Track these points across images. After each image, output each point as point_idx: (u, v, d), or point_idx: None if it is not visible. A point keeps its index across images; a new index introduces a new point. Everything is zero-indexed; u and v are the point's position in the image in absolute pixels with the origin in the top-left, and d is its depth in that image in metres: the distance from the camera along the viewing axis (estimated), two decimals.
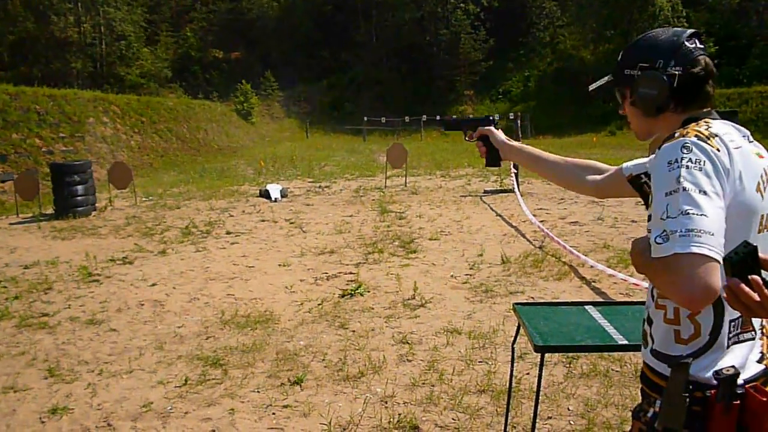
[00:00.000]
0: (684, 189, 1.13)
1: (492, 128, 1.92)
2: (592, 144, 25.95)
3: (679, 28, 1.40)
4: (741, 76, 29.72)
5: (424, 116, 35.04)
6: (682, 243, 1.07)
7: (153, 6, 49.02)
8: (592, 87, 1.59)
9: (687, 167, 1.15)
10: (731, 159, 1.19)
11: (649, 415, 1.32)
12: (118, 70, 40.77)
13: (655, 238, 1.13)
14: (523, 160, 1.87)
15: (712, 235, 1.08)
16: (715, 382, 1.21)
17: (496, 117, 2.11)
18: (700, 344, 1.26)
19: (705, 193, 1.12)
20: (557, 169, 1.79)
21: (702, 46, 1.36)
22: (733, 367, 1.20)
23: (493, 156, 1.92)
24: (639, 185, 1.60)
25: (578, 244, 7.07)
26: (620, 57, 1.45)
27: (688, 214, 1.10)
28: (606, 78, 1.52)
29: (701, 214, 1.09)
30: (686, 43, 1.33)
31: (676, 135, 1.24)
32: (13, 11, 38.45)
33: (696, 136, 1.21)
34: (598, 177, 1.73)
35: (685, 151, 1.18)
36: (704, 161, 1.16)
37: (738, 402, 1.18)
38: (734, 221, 1.16)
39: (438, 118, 34.49)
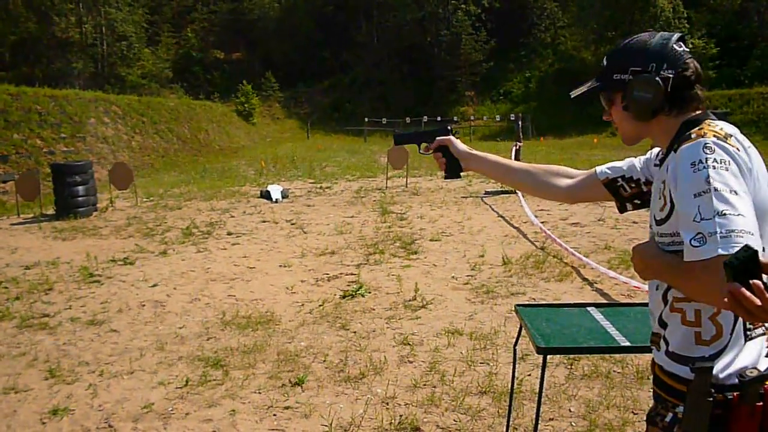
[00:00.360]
0: (715, 189, 1.11)
1: (451, 137, 1.83)
2: (593, 145, 25.92)
3: (665, 33, 1.39)
4: (742, 77, 29.68)
5: (425, 117, 35.09)
6: (725, 244, 1.05)
7: (154, 6, 49.14)
8: (574, 93, 1.53)
9: (714, 167, 1.14)
10: (750, 158, 1.19)
11: (668, 420, 1.31)
12: (119, 70, 40.83)
13: (690, 240, 1.10)
14: (487, 169, 1.79)
15: (752, 234, 1.06)
16: (735, 382, 1.20)
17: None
18: (722, 344, 1.25)
19: (736, 192, 1.11)
20: (526, 177, 1.73)
21: (689, 50, 1.36)
22: (756, 368, 1.19)
23: (453, 167, 1.82)
24: (615, 188, 1.59)
25: (579, 245, 7.07)
26: (606, 62, 1.43)
27: (725, 214, 1.08)
28: (590, 83, 1.48)
29: (738, 214, 1.07)
30: (675, 46, 1.33)
31: (693, 136, 1.23)
32: (15, 11, 38.53)
33: (715, 136, 1.20)
34: (570, 181, 1.69)
35: (707, 151, 1.16)
36: (729, 161, 1.15)
37: (762, 404, 1.16)
38: None
39: (439, 119, 34.63)
